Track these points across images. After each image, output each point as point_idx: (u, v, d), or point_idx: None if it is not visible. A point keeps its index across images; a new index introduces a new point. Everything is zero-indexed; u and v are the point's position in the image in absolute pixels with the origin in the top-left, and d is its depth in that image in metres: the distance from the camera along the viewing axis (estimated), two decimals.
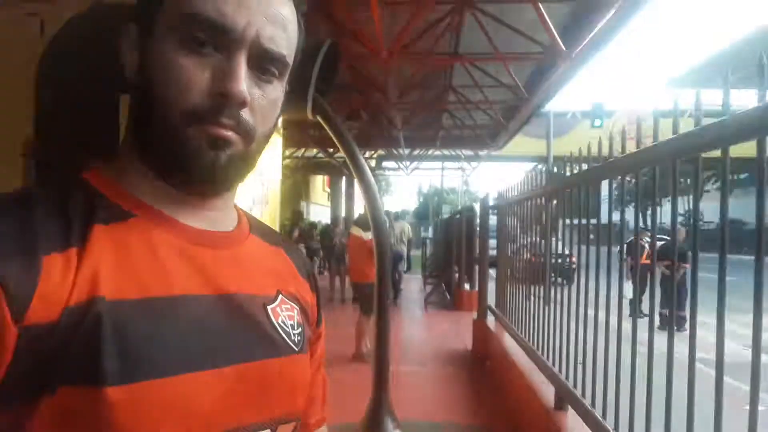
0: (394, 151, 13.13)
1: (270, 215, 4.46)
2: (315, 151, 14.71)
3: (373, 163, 19.08)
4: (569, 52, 6.06)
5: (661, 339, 1.75)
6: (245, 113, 0.56)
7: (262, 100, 0.57)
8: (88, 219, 0.52)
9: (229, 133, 0.55)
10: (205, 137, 0.54)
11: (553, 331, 3.28)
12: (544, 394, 3.32)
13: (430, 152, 15.69)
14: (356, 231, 5.68)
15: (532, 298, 3.85)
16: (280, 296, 0.65)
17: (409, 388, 4.56)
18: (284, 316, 0.64)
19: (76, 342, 0.46)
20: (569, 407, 2.96)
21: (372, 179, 3.54)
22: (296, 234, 9.33)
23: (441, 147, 14.97)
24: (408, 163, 17.05)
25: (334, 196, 23.68)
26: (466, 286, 8.99)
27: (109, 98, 2.47)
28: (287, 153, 14.93)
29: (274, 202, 4.62)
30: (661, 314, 5.94)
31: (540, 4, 5.46)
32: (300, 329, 0.65)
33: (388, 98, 7.62)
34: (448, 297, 9.61)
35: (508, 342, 4.62)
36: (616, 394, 2.15)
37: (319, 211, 23.37)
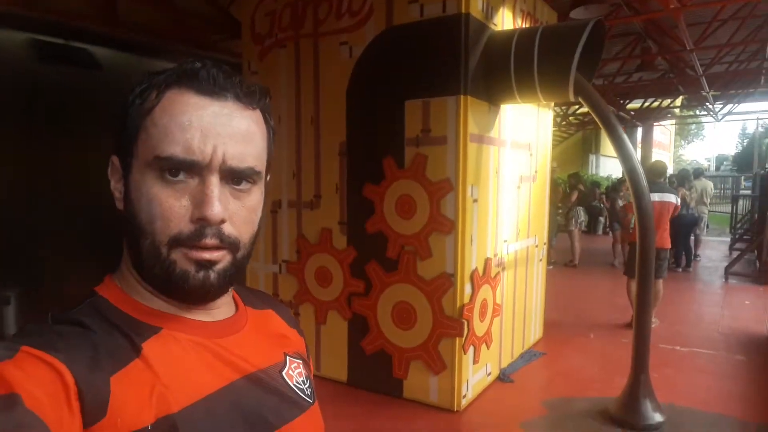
0: (703, 94, 11.37)
1: (538, 191, 4.67)
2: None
3: (677, 111, 16.85)
4: None
5: None
6: (226, 228, 0.61)
7: (242, 210, 0.62)
8: (132, 338, 0.59)
9: (215, 254, 0.60)
10: (192, 261, 0.60)
11: None
12: None
13: (750, 92, 13.07)
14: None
15: None
16: (288, 358, 0.75)
17: (683, 371, 4.28)
18: (296, 375, 0.74)
19: None
20: None
21: (634, 156, 3.45)
22: (575, 197, 9.05)
23: (766, 84, 12.34)
24: (719, 106, 14.53)
25: None
26: None
27: (399, 105, 3.30)
28: (573, 109, 14.35)
29: (542, 180, 4.79)
30: None
31: None
32: (308, 382, 0.77)
33: (685, 46, 6.71)
34: (758, 268, 8.20)
35: None
36: None
37: (609, 164, 21.82)
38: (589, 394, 3.79)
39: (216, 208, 0.58)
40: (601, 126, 3.52)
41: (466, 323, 3.47)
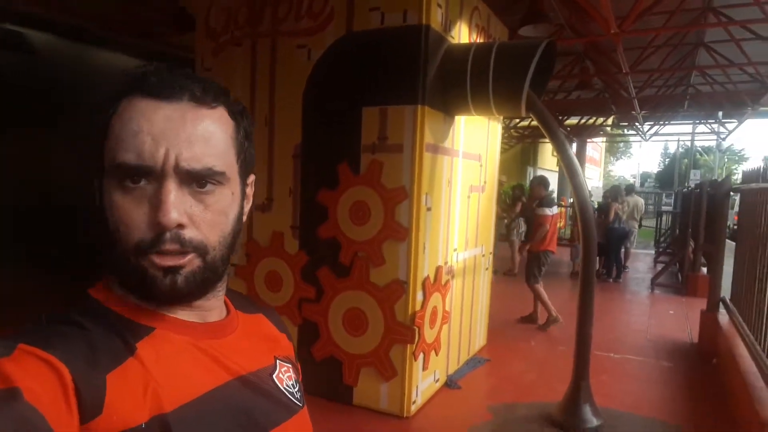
0: (633, 114, 12.07)
1: (486, 201, 4.80)
2: None
3: (608, 129, 17.79)
4: None
5: None
6: (188, 232, 0.60)
7: (206, 213, 0.61)
8: (127, 338, 0.60)
9: (180, 260, 0.60)
10: (157, 267, 0.59)
11: None
12: (765, 408, 3.08)
13: (675, 114, 13.99)
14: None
15: None
16: (278, 362, 0.77)
17: (616, 377, 4.51)
18: (285, 378, 0.76)
19: None
20: None
21: (580, 171, 3.62)
22: (518, 208, 9.40)
23: (689, 109, 13.25)
24: (647, 126, 15.45)
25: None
26: (703, 270, 8.14)
27: (357, 111, 3.27)
28: (514, 123, 14.84)
29: (490, 190, 4.93)
30: None
31: None
32: (298, 386, 0.78)
33: (621, 68, 7.11)
34: (680, 279, 8.77)
35: (738, 343, 4.24)
36: None
37: (547, 176, 22.69)
38: (532, 399, 3.92)
39: (170, 214, 0.58)
40: (550, 141, 3.67)
41: (417, 330, 3.51)
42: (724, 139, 17.29)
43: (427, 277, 3.62)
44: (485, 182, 4.78)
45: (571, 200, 19.08)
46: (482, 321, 5.05)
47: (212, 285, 0.67)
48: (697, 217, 8.04)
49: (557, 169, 24.10)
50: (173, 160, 0.58)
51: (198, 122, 0.61)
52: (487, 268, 5.07)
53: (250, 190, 0.73)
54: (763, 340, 3.54)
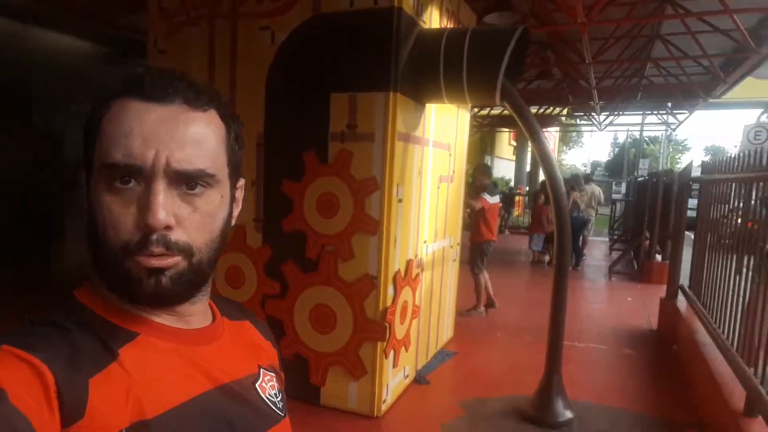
0: (591, 104, 12.28)
1: (454, 191, 4.71)
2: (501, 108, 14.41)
3: (563, 119, 18.07)
4: None
5: None
6: (174, 234, 0.60)
7: (193, 215, 0.61)
8: (110, 344, 0.59)
9: (166, 261, 0.59)
10: (142, 267, 0.59)
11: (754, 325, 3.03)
12: (732, 394, 3.12)
13: (629, 104, 14.32)
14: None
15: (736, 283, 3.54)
16: (261, 370, 0.76)
17: (582, 366, 4.52)
18: (268, 387, 0.75)
19: None
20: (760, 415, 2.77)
21: (553, 160, 3.56)
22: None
23: (642, 99, 13.58)
24: (602, 117, 15.77)
25: (519, 151, 23.05)
26: (658, 257, 8.36)
27: (324, 97, 3.02)
28: (475, 111, 14.86)
29: (458, 180, 4.84)
30: None
31: None
32: (280, 395, 0.77)
33: (584, 59, 7.14)
34: (636, 267, 8.99)
35: (699, 329, 4.31)
36: None
37: (503, 165, 22.98)
38: (502, 393, 3.87)
39: (158, 215, 0.57)
40: (524, 131, 3.58)
41: (388, 326, 3.39)
42: (674, 130, 17.85)
43: (398, 271, 3.50)
44: (454, 172, 4.69)
45: (527, 189, 19.39)
46: (450, 313, 4.99)
47: (197, 288, 0.66)
48: (654, 207, 8.23)
49: (514, 158, 24.49)
50: (164, 161, 0.58)
51: (190, 124, 0.61)
52: (454, 260, 5.00)
53: (239, 194, 0.72)
54: (726, 329, 3.59)
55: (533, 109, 14.60)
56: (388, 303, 3.40)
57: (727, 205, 4.27)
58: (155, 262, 0.59)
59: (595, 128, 17.07)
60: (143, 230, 0.58)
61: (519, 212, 17.99)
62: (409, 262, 3.67)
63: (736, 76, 9.13)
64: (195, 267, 0.62)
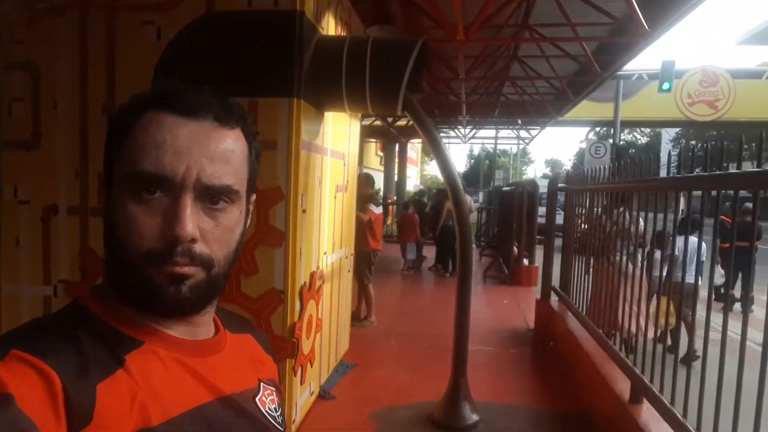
0: (459, 117, 13.01)
1: (348, 201, 4.66)
2: (372, 119, 14.75)
3: None
4: (651, 31, 5.82)
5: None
6: (198, 247, 0.61)
7: (216, 229, 0.63)
8: (116, 350, 0.59)
9: (186, 269, 0.60)
10: (164, 275, 0.60)
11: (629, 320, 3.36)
12: (616, 384, 3.42)
13: (490, 119, 15.43)
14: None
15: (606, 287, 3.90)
16: (261, 385, 0.76)
17: (475, 368, 4.67)
18: (268, 402, 0.75)
19: None
20: (644, 400, 3.05)
21: (455, 169, 3.67)
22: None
23: (500, 115, 14.71)
24: (467, 130, 16.80)
25: (387, 161, 23.71)
26: (525, 261, 9.02)
27: None
28: None
29: (352, 190, 4.81)
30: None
31: None
32: (279, 410, 0.78)
33: (458, 74, 7.53)
34: (506, 271, 9.62)
35: (575, 326, 4.70)
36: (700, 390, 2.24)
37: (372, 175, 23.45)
38: (409, 400, 3.88)
39: (186, 227, 0.59)
40: (425, 140, 3.66)
41: (296, 342, 3.23)
42: (527, 144, 19.56)
43: (304, 284, 3.36)
44: (348, 181, 4.64)
45: (395, 197, 19.99)
46: (346, 324, 4.91)
47: (211, 300, 0.68)
48: (521, 215, 8.89)
49: (382, 168, 25.14)
50: (194, 176, 0.60)
51: (220, 141, 0.63)
52: (349, 270, 4.94)
53: (251, 208, 0.73)
54: (601, 322, 3.96)
55: (402, 122, 15.13)
56: (296, 318, 3.24)
57: (582, 210, 4.81)
58: (179, 269, 0.60)
59: (458, 140, 18.12)
60: (169, 240, 0.59)
61: (390, 221, 18.47)
62: (312, 275, 3.54)
63: (583, 96, 10.24)
64: (213, 279, 0.64)
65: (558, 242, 5.62)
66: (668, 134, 36.29)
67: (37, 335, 0.57)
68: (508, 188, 11.67)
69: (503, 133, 20.58)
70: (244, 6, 3.16)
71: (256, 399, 0.73)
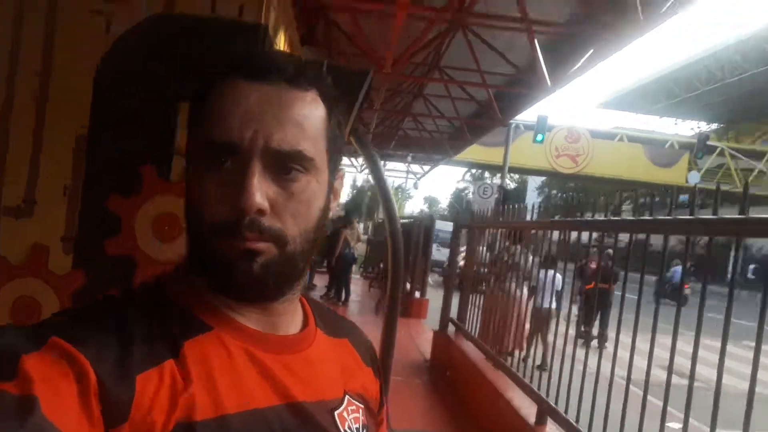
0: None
1: None
2: None
3: None
4: (552, 86, 6.46)
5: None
6: (268, 220, 0.56)
7: (289, 201, 0.58)
8: (175, 335, 0.56)
9: (257, 245, 0.56)
10: (234, 250, 0.56)
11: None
12: (520, 407, 3.67)
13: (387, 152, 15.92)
14: None
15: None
16: (347, 398, 0.67)
17: (390, 397, 4.78)
18: (350, 419, 0.65)
19: None
20: (548, 420, 3.33)
21: (391, 195, 3.78)
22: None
23: (395, 148, 15.26)
24: (360, 161, 17.15)
25: None
26: (417, 294, 9.34)
27: (170, 105, 2.69)
28: None
29: None
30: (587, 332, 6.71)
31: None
32: (365, 431, 0.67)
33: (372, 105, 7.77)
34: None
35: (474, 353, 4.98)
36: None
37: None
38: None
39: (252, 197, 0.54)
40: (369, 169, 3.73)
41: None
42: (419, 179, 20.42)
43: None
44: None
45: None
46: None
47: (289, 283, 0.61)
48: (417, 248, 9.22)
49: None
50: (261, 141, 0.56)
51: (290, 105, 0.58)
52: None
53: (339, 185, 0.68)
54: (496, 344, 4.31)
55: None
56: None
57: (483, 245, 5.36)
58: (249, 245, 0.56)
59: (354, 169, 18.44)
60: (237, 212, 0.55)
61: None
62: None
63: (479, 137, 11.01)
64: (288, 257, 0.58)
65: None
66: (534, 182, 39.98)
67: (88, 315, 0.55)
68: (405, 221, 12.07)
69: (392, 165, 21.30)
70: (207, 9, 3.05)
71: (336, 412, 0.64)
